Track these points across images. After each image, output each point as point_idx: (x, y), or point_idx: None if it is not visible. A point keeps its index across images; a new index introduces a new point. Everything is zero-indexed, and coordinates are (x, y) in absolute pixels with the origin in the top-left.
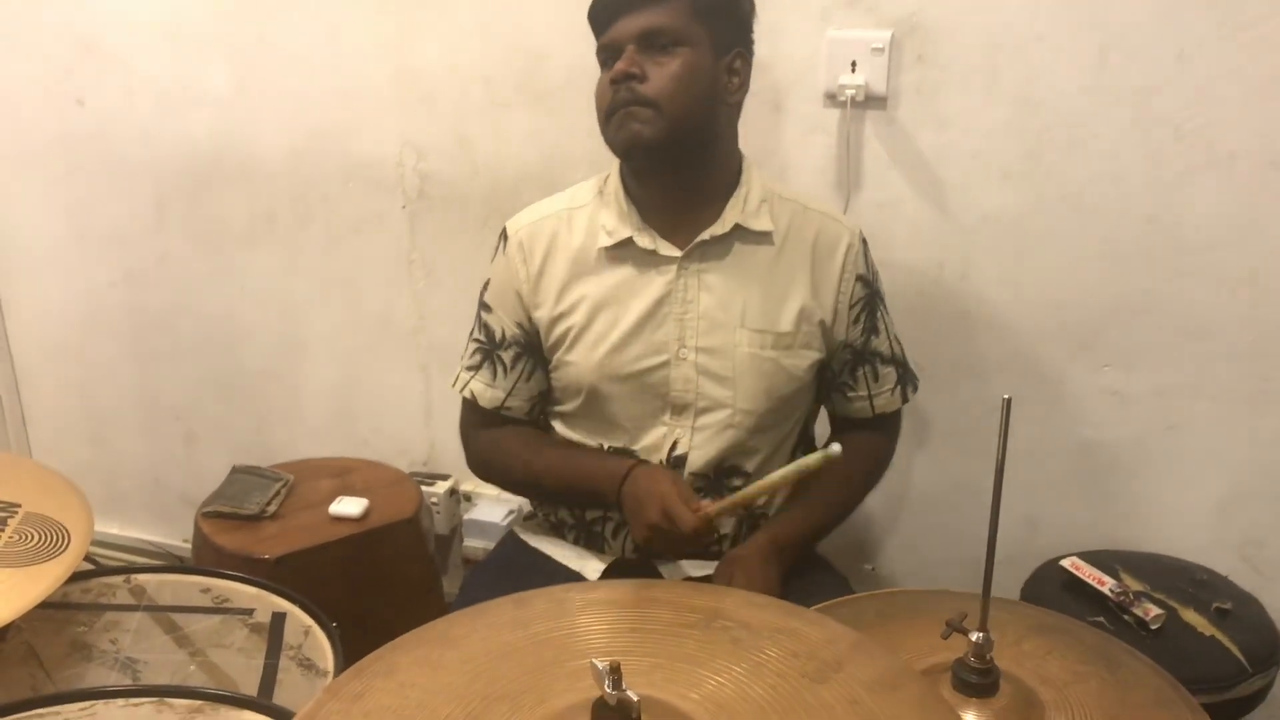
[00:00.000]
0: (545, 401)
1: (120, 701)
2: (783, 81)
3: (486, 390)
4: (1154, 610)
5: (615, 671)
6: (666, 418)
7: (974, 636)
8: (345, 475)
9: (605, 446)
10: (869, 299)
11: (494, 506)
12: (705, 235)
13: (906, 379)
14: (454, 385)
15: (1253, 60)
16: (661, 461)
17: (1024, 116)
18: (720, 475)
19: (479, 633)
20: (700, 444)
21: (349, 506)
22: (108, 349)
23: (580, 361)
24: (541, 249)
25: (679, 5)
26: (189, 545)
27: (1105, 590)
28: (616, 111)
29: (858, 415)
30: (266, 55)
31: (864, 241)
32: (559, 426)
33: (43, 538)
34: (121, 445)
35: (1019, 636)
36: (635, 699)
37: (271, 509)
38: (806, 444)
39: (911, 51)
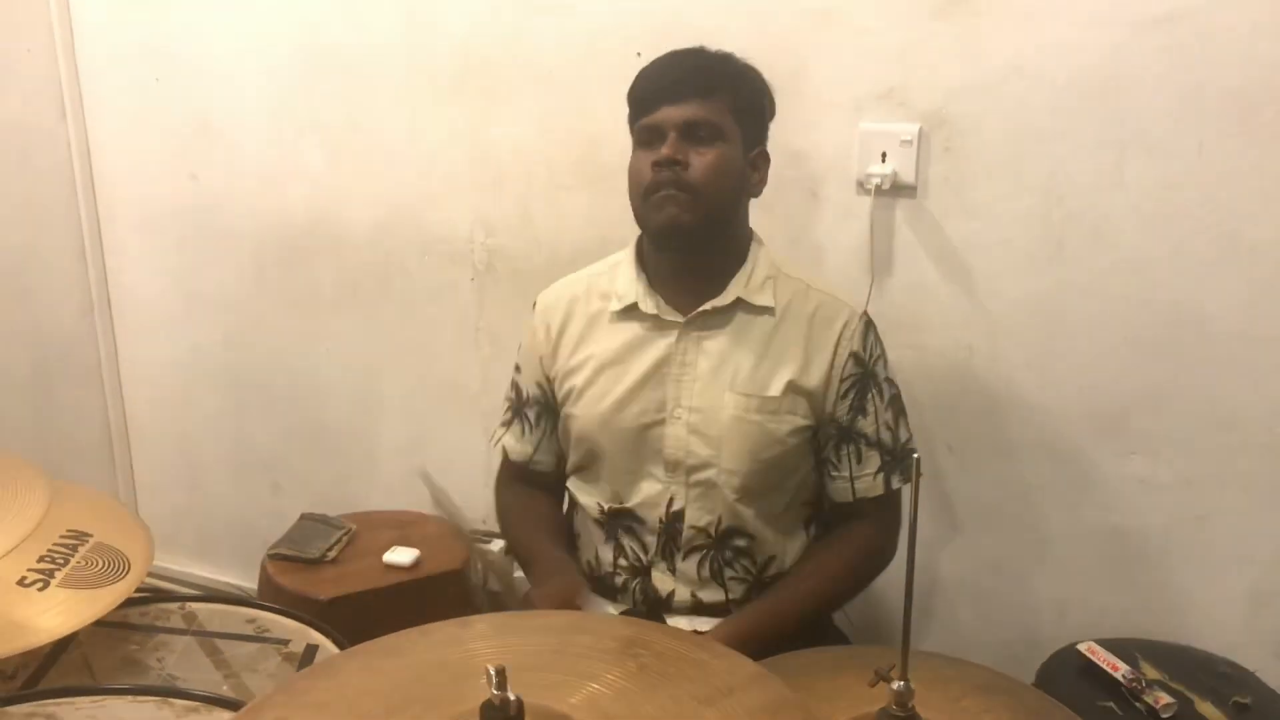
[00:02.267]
0: None
1: (128, 697)
2: (819, 170)
3: (516, 445)
4: (1165, 699)
5: (501, 674)
6: (661, 474)
7: (895, 685)
8: (404, 528)
9: (606, 508)
10: (860, 378)
11: None
12: (708, 305)
13: (893, 467)
14: (491, 441)
15: (1271, 155)
16: (660, 519)
17: (1047, 207)
18: (721, 537)
19: (422, 646)
20: (695, 500)
21: (401, 556)
22: (208, 403)
23: (583, 415)
24: (560, 314)
25: (721, 103)
26: None
27: (1118, 676)
28: (657, 191)
29: (840, 497)
30: (356, 138)
31: (868, 324)
32: (571, 485)
33: (106, 564)
34: (215, 492)
35: (960, 694)
36: (514, 698)
37: (332, 554)
38: (820, 528)
39: (939, 143)
